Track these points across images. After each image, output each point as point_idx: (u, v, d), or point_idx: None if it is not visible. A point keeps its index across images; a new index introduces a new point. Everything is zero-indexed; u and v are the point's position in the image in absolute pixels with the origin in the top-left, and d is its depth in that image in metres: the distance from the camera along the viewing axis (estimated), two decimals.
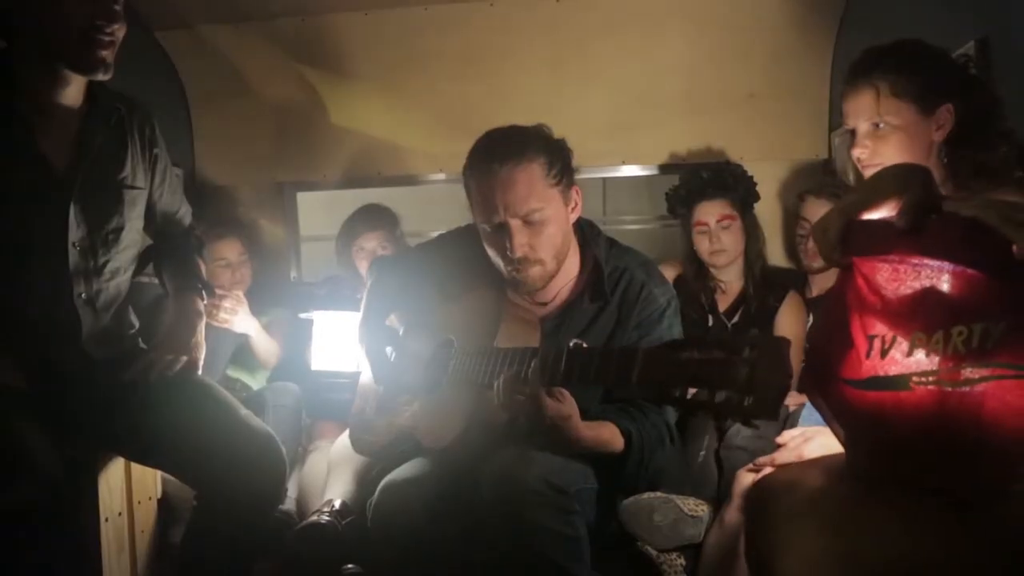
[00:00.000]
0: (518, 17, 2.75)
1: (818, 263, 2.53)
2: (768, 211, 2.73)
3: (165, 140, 1.77)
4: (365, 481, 1.82)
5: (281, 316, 2.72)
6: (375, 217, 2.72)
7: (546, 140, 1.63)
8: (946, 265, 0.95)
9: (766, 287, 2.52)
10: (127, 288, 1.71)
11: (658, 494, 1.67)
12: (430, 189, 3.15)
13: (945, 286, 0.96)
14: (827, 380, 1.06)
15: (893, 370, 0.99)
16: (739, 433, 1.94)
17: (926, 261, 0.97)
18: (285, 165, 3.02)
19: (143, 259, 1.79)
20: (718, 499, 1.79)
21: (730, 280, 2.57)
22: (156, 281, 1.86)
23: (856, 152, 1.48)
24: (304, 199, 3.16)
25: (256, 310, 2.61)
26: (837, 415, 1.05)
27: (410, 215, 3.03)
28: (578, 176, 3.06)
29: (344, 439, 1.96)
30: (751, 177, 2.56)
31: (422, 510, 1.50)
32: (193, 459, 1.58)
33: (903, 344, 0.98)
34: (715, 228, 2.49)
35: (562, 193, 1.61)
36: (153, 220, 1.80)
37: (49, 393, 1.52)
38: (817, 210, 2.50)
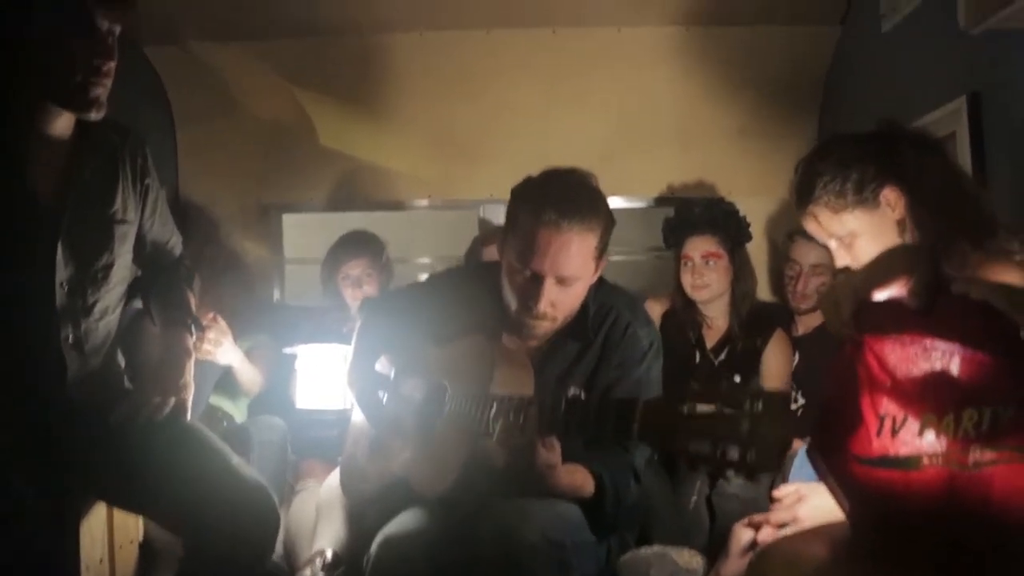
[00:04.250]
0: (512, 45, 2.76)
1: (805, 304, 2.57)
2: (755, 246, 2.75)
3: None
4: (357, 529, 1.78)
5: (264, 342, 2.67)
6: (360, 244, 2.69)
7: (607, 208, 1.60)
8: (957, 348, 0.96)
9: (753, 326, 2.54)
10: (116, 326, 1.66)
11: (654, 548, 1.67)
12: (416, 215, 3.13)
13: (955, 369, 0.97)
14: (835, 453, 1.06)
15: (903, 450, 0.99)
16: (732, 480, 1.95)
17: (937, 343, 0.97)
18: (271, 186, 2.98)
19: (132, 290, 1.74)
20: (710, 546, 1.80)
21: (716, 316, 2.58)
22: (140, 306, 1.82)
23: (838, 265, 1.53)
24: (289, 221, 3.13)
25: (239, 334, 2.57)
26: (844, 488, 1.06)
27: (396, 241, 3.00)
28: None
29: (333, 481, 1.92)
30: (743, 217, 2.57)
31: (424, 568, 1.46)
32: (182, 509, 1.53)
33: (914, 425, 0.99)
34: (699, 263, 2.50)
35: (597, 264, 1.60)
36: (143, 250, 1.74)
37: (31, 441, 1.45)
38: (806, 251, 2.53)
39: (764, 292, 2.88)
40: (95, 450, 1.53)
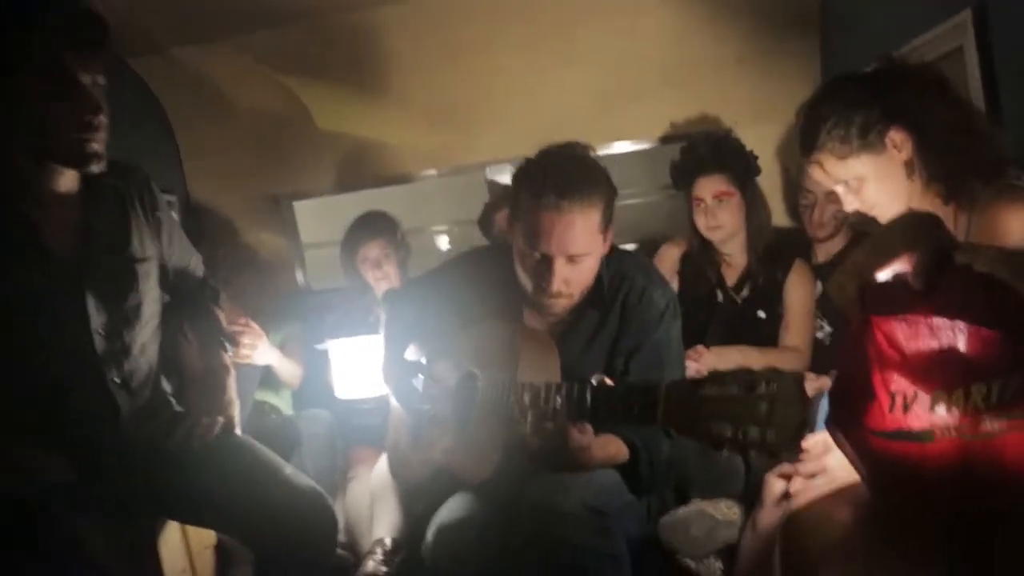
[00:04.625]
0: (498, 6, 2.68)
1: (823, 232, 2.56)
2: (767, 173, 2.72)
3: (153, 167, 1.75)
4: (411, 513, 1.88)
5: (296, 330, 2.76)
6: (374, 225, 2.72)
7: (607, 180, 1.62)
8: (962, 324, 0.98)
9: (771, 260, 2.54)
10: (156, 358, 1.74)
11: (691, 507, 1.74)
12: (425, 185, 3.13)
13: (962, 344, 0.99)
14: (852, 427, 1.10)
15: (916, 424, 1.03)
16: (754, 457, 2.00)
17: (942, 321, 1.00)
18: (276, 176, 3.00)
19: (165, 317, 1.81)
20: (746, 494, 1.86)
21: (734, 254, 2.58)
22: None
23: (848, 210, 1.56)
24: (302, 207, 3.15)
25: (270, 326, 2.65)
26: (862, 460, 1.10)
27: (409, 211, 3.03)
28: None
29: (383, 467, 2.01)
30: (750, 151, 2.54)
31: (479, 553, 1.55)
32: (242, 522, 1.64)
33: (925, 400, 1.02)
34: (711, 204, 2.48)
35: (604, 235, 1.63)
36: (168, 279, 1.81)
37: (97, 479, 1.55)
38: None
39: (782, 218, 2.86)
40: (156, 477, 1.62)
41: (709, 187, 2.48)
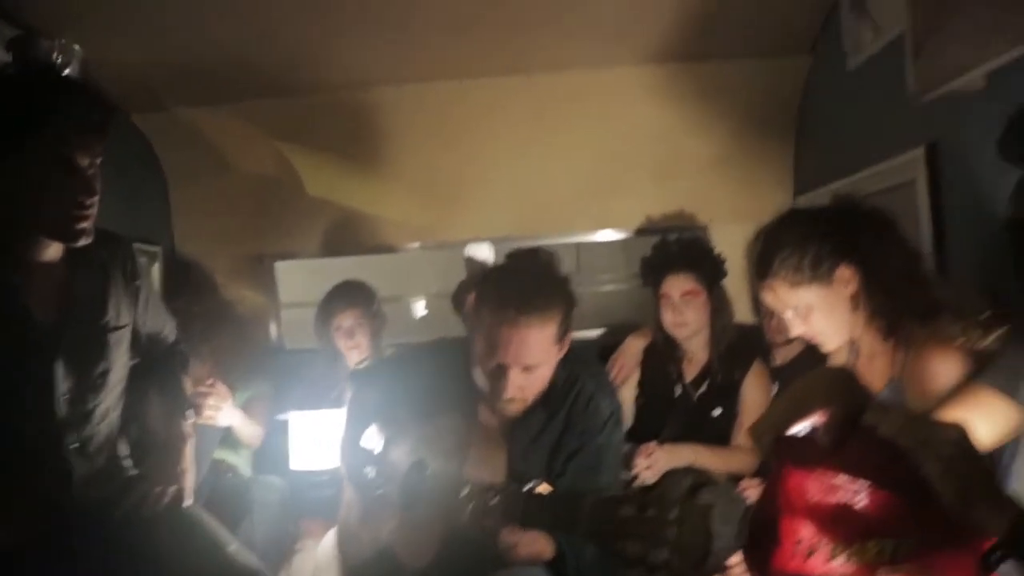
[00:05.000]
0: (488, 93, 2.82)
1: (780, 338, 2.64)
2: (737, 271, 2.81)
3: (143, 217, 1.79)
4: None
5: (264, 389, 2.80)
6: (351, 295, 2.78)
7: (566, 291, 1.68)
8: (864, 484, 1.05)
9: (731, 359, 2.60)
10: (118, 423, 1.77)
11: None
12: (406, 255, 3.21)
13: (863, 503, 1.05)
14: (762, 563, 1.15)
15: (816, 571, 1.09)
16: None
17: (846, 478, 1.06)
18: (262, 236, 3.08)
19: (131, 379, 1.85)
20: None
21: (696, 351, 2.65)
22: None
23: (793, 335, 1.66)
24: (284, 267, 3.23)
25: (239, 382, 2.69)
26: None
27: (389, 281, 3.11)
28: (552, 242, 3.20)
29: (329, 543, 2.03)
30: (719, 254, 2.64)
31: None
32: None
33: (826, 550, 1.08)
34: (678, 301, 2.55)
35: (561, 346, 1.68)
36: (139, 342, 1.85)
37: (46, 541, 1.56)
38: None
39: (748, 315, 2.94)
40: (105, 541, 1.64)
41: (677, 285, 2.56)
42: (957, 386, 1.39)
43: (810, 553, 1.09)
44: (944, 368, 1.44)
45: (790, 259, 1.61)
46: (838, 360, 1.84)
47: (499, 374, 1.65)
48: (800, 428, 1.12)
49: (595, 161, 2.95)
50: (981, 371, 1.35)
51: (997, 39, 1.40)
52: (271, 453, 2.64)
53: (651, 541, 1.11)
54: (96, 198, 1.54)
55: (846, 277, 1.59)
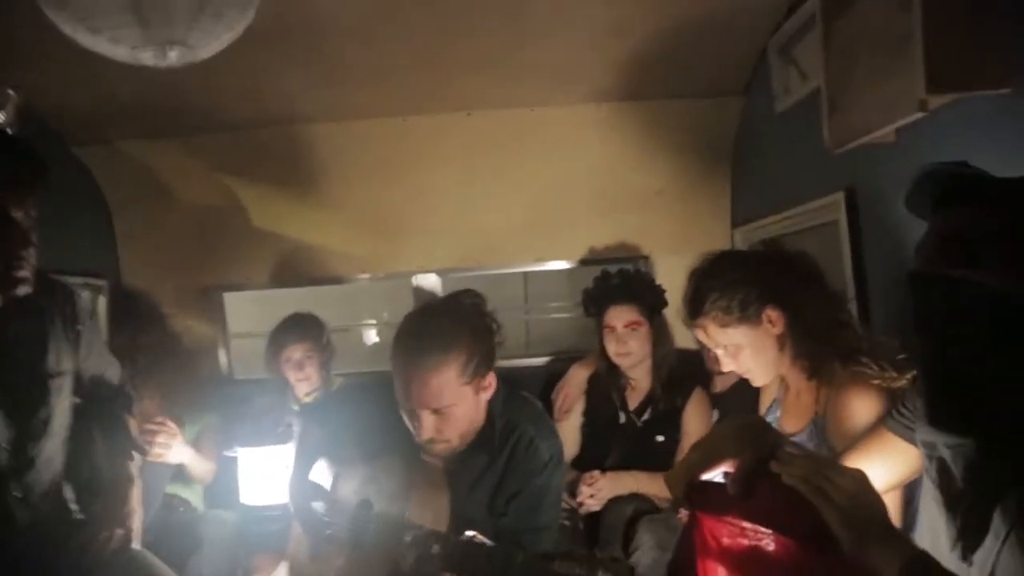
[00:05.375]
0: (429, 130, 2.89)
1: (719, 367, 2.73)
2: (677, 301, 2.91)
3: (87, 250, 1.72)
4: None
5: (214, 422, 2.80)
6: (300, 328, 2.81)
7: (471, 331, 1.72)
8: (769, 532, 1.13)
9: (673, 386, 2.70)
10: (62, 468, 1.77)
11: None
12: (356, 286, 3.24)
13: (768, 547, 1.14)
14: None
15: None
16: (642, 560, 2.13)
17: (753, 526, 1.15)
18: (209, 268, 3.09)
19: (75, 421, 1.85)
20: None
21: (639, 378, 2.74)
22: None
23: (724, 370, 1.78)
24: (232, 298, 3.23)
25: (188, 415, 2.69)
26: None
27: (339, 309, 3.14)
28: (498, 272, 3.25)
29: None
30: (659, 285, 2.74)
31: None
32: None
33: None
34: (622, 332, 2.65)
35: (474, 386, 1.73)
36: (82, 385, 1.85)
37: None
38: None
39: (689, 340, 3.03)
40: None
41: (620, 317, 2.65)
42: (867, 428, 1.50)
43: None
44: (861, 407, 1.55)
45: (720, 300, 1.71)
46: (769, 393, 1.95)
47: (413, 417, 1.72)
48: (711, 475, 1.20)
49: (539, 194, 3.03)
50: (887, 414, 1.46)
51: (900, 105, 1.51)
52: (223, 486, 2.64)
53: None
54: (32, 249, 1.55)
55: (773, 318, 1.70)
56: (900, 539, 1.07)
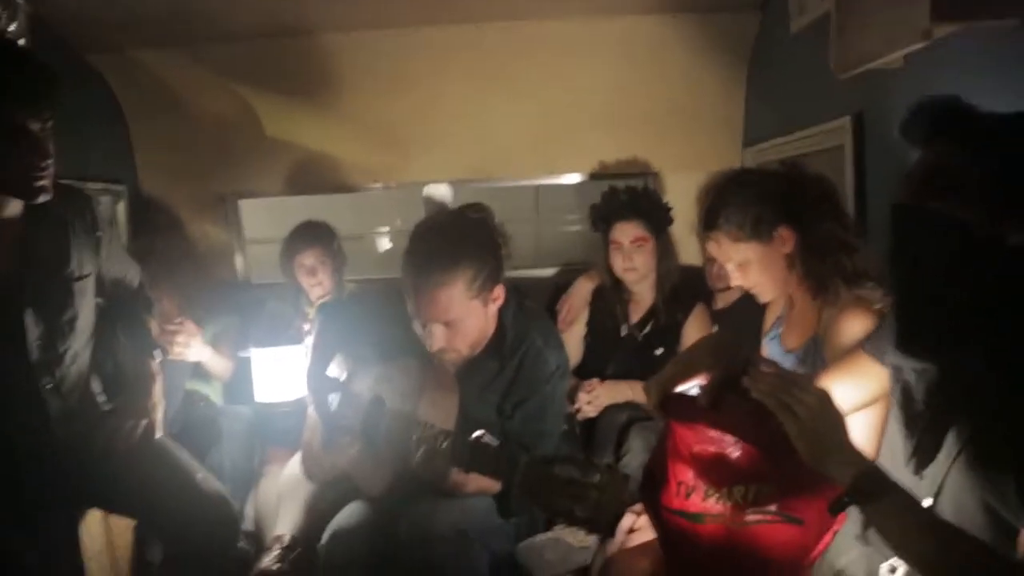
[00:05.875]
0: (440, 41, 2.86)
1: (720, 284, 2.81)
2: (686, 218, 2.94)
3: (105, 157, 1.79)
4: (313, 511, 2.09)
5: (232, 323, 2.93)
6: (312, 235, 2.89)
7: (477, 246, 1.79)
8: (731, 437, 1.23)
9: (675, 302, 2.76)
10: (88, 364, 1.90)
11: (549, 533, 1.98)
12: (370, 194, 3.29)
13: (732, 454, 1.24)
14: (652, 498, 1.35)
15: (693, 508, 1.29)
16: (631, 463, 2.26)
17: (718, 432, 1.24)
18: (225, 176, 3.14)
19: (99, 321, 1.97)
20: None
21: (642, 293, 2.80)
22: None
23: (732, 285, 1.82)
24: (248, 204, 3.30)
25: (207, 317, 2.83)
26: (657, 525, 1.36)
27: (352, 219, 3.21)
28: (510, 184, 3.28)
29: (293, 467, 2.21)
30: (666, 203, 2.77)
31: (367, 560, 1.80)
32: (153, 519, 1.86)
33: (700, 491, 1.27)
34: (628, 248, 2.69)
35: (483, 298, 1.80)
36: (104, 287, 1.96)
37: (25, 476, 1.72)
38: None
39: (696, 258, 3.08)
40: (80, 472, 1.81)
41: (627, 232, 2.69)
42: (848, 349, 1.57)
43: (688, 493, 1.28)
44: (857, 329, 1.61)
45: (734, 216, 1.75)
46: (774, 310, 2.01)
47: (425, 329, 1.82)
48: (686, 387, 1.29)
49: (551, 107, 3.02)
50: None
51: (905, 32, 1.51)
52: (242, 383, 2.78)
53: (575, 500, 1.32)
54: (51, 159, 1.62)
55: (785, 237, 1.74)
56: (855, 454, 1.15)
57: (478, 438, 1.61)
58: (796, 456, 1.15)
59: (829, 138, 2.31)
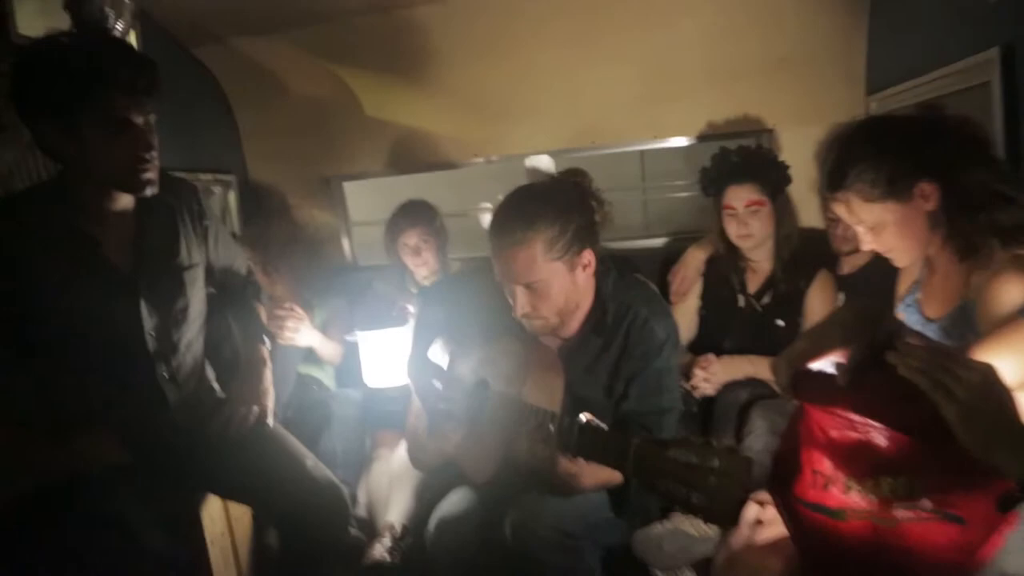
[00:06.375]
0: (536, 5, 2.73)
1: (846, 247, 2.57)
2: (805, 175, 2.71)
3: (215, 148, 1.84)
4: (423, 499, 2.09)
5: (341, 307, 2.96)
6: (414, 214, 2.87)
7: (561, 206, 1.71)
8: (879, 424, 1.08)
9: (796, 268, 2.56)
10: (202, 352, 1.95)
11: (667, 524, 1.87)
12: (469, 170, 3.24)
13: (876, 441, 1.09)
14: (784, 491, 1.21)
15: (831, 503, 1.14)
16: (754, 445, 2.11)
17: (863, 419, 1.09)
18: (328, 159, 3.17)
19: (210, 309, 2.01)
20: None
21: (760, 260, 2.62)
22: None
23: (864, 249, 1.58)
24: (352, 187, 3.32)
25: (316, 300, 2.87)
26: (791, 522, 1.22)
27: (454, 196, 3.17)
28: (613, 151, 3.15)
29: (403, 452, 2.21)
30: (783, 162, 2.56)
31: (474, 550, 1.78)
32: (266, 505, 1.91)
33: (840, 483, 1.13)
34: (743, 213, 2.51)
35: (567, 262, 1.72)
36: (213, 276, 2.01)
37: (147, 462, 1.79)
38: None
39: (817, 219, 2.86)
40: (197, 458, 1.86)
41: (741, 196, 2.51)
42: (1006, 318, 1.36)
43: (826, 485, 1.14)
44: (1017, 293, 1.37)
45: (866, 173, 1.50)
46: (910, 273, 1.76)
47: (510, 294, 1.76)
48: (820, 364, 1.14)
49: (653, 66, 2.85)
50: None
51: None
52: (353, 367, 2.80)
53: (692, 486, 1.21)
54: (155, 151, 1.66)
55: (927, 193, 1.49)
56: None
57: (586, 421, 1.52)
58: (955, 444, 0.99)
59: (971, 76, 2.03)
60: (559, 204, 1.73)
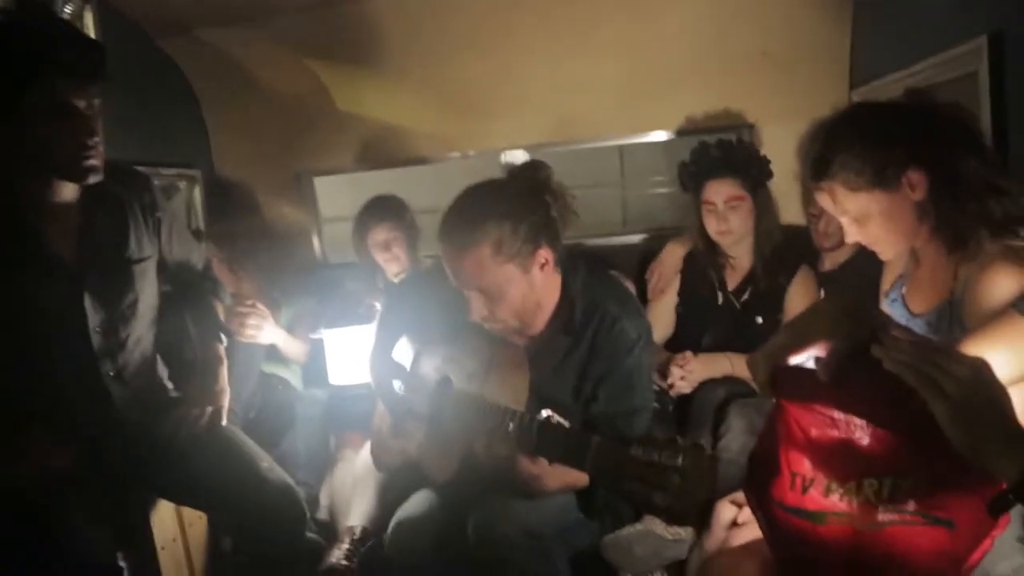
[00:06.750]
0: None
1: (828, 242, 2.52)
2: (787, 171, 2.65)
3: (180, 142, 1.76)
4: (385, 501, 2.00)
5: (309, 305, 2.87)
6: (383, 209, 2.79)
7: (509, 205, 1.61)
8: (861, 422, 1.00)
9: (776, 264, 2.50)
10: (153, 349, 1.86)
11: (638, 526, 1.79)
12: (446, 165, 3.16)
13: (860, 440, 1.01)
14: (761, 492, 1.14)
15: (811, 506, 1.06)
16: (730, 445, 2.04)
17: (843, 415, 1.02)
18: (299, 153, 3.08)
19: (164, 306, 1.92)
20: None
21: (740, 256, 2.55)
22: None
23: (849, 241, 1.52)
24: (323, 183, 3.24)
25: (284, 299, 2.78)
26: (767, 526, 1.14)
27: (428, 192, 3.07)
28: (592, 146, 3.07)
29: (366, 454, 2.13)
30: (763, 157, 2.50)
31: (433, 553, 1.70)
32: (218, 509, 1.82)
33: (820, 485, 1.05)
34: (723, 208, 2.45)
35: (520, 263, 1.63)
36: (167, 271, 1.91)
37: (93, 463, 1.69)
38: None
39: (799, 215, 2.80)
40: (146, 460, 1.76)
41: (720, 191, 2.45)
42: (997, 311, 1.29)
43: (806, 487, 1.06)
44: (1007, 285, 1.30)
45: (852, 161, 1.42)
46: (894, 267, 1.69)
47: (466, 299, 1.68)
48: (800, 360, 1.07)
49: (632, 59, 2.79)
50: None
51: None
52: (320, 366, 2.71)
53: (655, 485, 1.16)
54: (98, 138, 1.57)
55: (915, 182, 1.42)
56: (1021, 438, 0.91)
57: (546, 419, 1.44)
58: (944, 443, 0.92)
59: (957, 65, 1.98)
60: (507, 203, 1.62)
